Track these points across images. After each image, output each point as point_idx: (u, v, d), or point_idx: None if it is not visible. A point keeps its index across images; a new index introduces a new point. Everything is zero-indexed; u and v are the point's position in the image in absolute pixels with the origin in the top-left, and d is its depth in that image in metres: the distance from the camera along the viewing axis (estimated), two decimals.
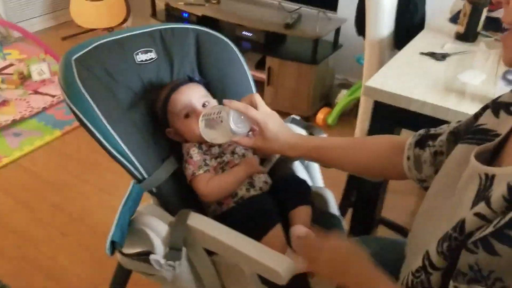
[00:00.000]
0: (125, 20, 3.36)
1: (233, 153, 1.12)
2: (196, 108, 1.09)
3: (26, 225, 1.93)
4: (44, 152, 2.41)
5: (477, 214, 0.56)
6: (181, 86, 1.11)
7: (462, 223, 0.58)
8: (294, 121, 1.28)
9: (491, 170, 0.60)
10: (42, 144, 2.44)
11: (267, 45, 2.69)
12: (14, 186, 2.16)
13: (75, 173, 2.25)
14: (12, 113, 2.62)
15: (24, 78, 2.94)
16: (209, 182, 1.05)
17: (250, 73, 1.29)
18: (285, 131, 1.01)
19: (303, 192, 1.11)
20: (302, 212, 1.07)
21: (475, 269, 0.54)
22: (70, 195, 2.12)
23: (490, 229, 0.52)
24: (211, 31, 1.25)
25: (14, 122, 2.57)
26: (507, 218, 0.51)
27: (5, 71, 3.03)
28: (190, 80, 1.14)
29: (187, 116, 1.09)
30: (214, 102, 1.14)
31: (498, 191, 0.55)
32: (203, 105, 1.10)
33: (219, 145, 1.11)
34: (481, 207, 0.56)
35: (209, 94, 1.16)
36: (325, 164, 1.04)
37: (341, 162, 0.98)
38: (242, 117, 0.97)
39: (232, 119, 0.96)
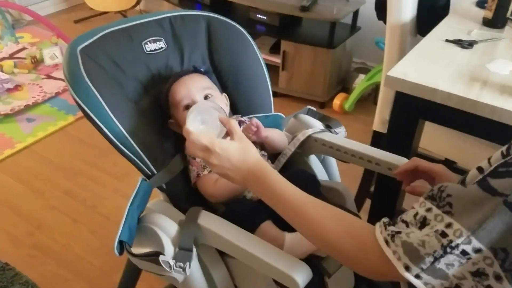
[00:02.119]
0: (137, 3, 3.30)
1: None
2: (195, 100, 1.03)
3: (38, 212, 1.93)
4: (57, 137, 2.40)
5: (478, 168, 0.61)
6: (183, 76, 1.06)
7: (465, 176, 0.62)
8: (310, 112, 1.23)
9: None
10: (55, 129, 2.43)
11: (282, 29, 2.61)
12: (27, 172, 2.15)
13: (88, 159, 2.23)
14: (25, 98, 2.61)
15: (37, 62, 2.92)
16: (217, 182, 1.00)
17: (263, 60, 1.24)
18: None
19: (311, 188, 1.05)
20: None
21: (441, 189, 0.59)
22: (83, 181, 2.10)
23: (480, 177, 0.57)
24: (222, 17, 1.19)
25: (27, 107, 2.55)
26: (492, 167, 0.56)
27: (18, 55, 3.01)
28: (195, 70, 1.08)
29: (187, 107, 1.03)
30: (218, 95, 1.09)
31: (499, 150, 0.59)
32: (205, 98, 1.05)
33: None
34: (483, 163, 0.61)
35: (215, 86, 1.11)
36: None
37: None
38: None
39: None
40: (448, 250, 0.55)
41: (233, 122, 0.84)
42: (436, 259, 0.56)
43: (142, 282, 1.43)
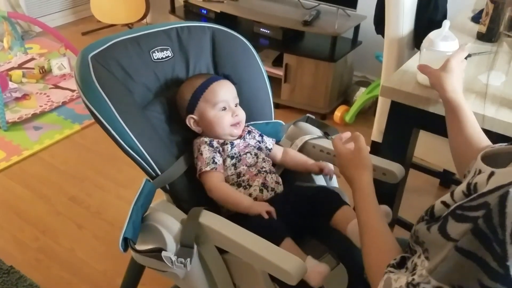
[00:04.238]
0: (144, 16, 3.38)
1: (250, 166, 1.12)
2: (231, 106, 1.12)
3: (44, 218, 1.97)
4: (64, 145, 2.45)
5: (443, 203, 0.66)
6: (221, 80, 1.13)
7: (432, 208, 0.68)
8: (309, 120, 1.27)
9: (488, 168, 0.66)
10: (62, 137, 2.48)
11: (285, 42, 2.68)
12: (33, 178, 2.20)
13: (94, 167, 2.28)
14: (33, 107, 2.67)
15: (45, 72, 2.99)
16: (220, 185, 1.07)
17: (265, 71, 1.29)
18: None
19: (338, 197, 1.10)
20: (348, 211, 1.05)
21: (416, 234, 0.67)
22: (88, 188, 2.15)
23: (445, 213, 0.62)
24: (226, 29, 1.25)
25: (35, 116, 2.61)
26: (453, 207, 0.60)
27: (26, 65, 3.09)
28: (228, 79, 1.16)
29: (223, 109, 1.12)
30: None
31: (460, 187, 0.64)
32: (235, 106, 1.14)
33: (232, 144, 1.12)
34: (447, 197, 0.65)
35: None
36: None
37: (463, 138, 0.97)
38: None
39: None
40: (411, 287, 0.61)
41: None
42: None
43: (143, 287, 1.46)
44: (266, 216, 1.00)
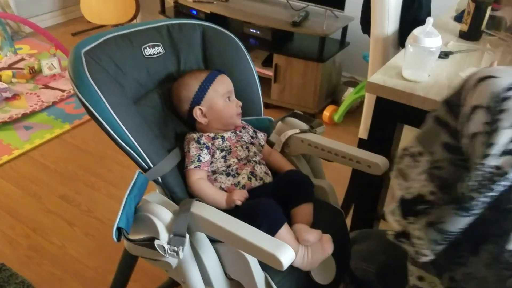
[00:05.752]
0: (134, 17, 3.40)
1: (241, 158, 1.15)
2: (233, 96, 1.19)
3: (35, 216, 1.98)
4: (54, 144, 2.46)
5: None
6: (224, 74, 1.20)
7: None
8: (296, 115, 1.30)
9: None
10: (52, 137, 2.49)
11: (274, 43, 2.72)
12: (24, 177, 2.20)
13: (84, 165, 2.29)
14: (23, 107, 2.68)
15: (35, 72, 2.99)
16: (198, 182, 1.09)
17: (254, 67, 1.32)
18: None
19: (305, 189, 1.13)
20: (304, 211, 1.10)
21: None
22: (79, 187, 2.16)
23: None
24: (216, 26, 1.27)
25: (25, 116, 2.62)
26: None
27: (16, 65, 3.09)
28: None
29: (229, 99, 1.18)
30: None
31: None
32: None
33: (223, 137, 1.15)
34: None
35: None
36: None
37: None
38: None
39: None
40: (405, 152, 0.76)
41: None
42: (400, 159, 0.77)
43: (135, 283, 1.48)
44: (239, 204, 1.06)
